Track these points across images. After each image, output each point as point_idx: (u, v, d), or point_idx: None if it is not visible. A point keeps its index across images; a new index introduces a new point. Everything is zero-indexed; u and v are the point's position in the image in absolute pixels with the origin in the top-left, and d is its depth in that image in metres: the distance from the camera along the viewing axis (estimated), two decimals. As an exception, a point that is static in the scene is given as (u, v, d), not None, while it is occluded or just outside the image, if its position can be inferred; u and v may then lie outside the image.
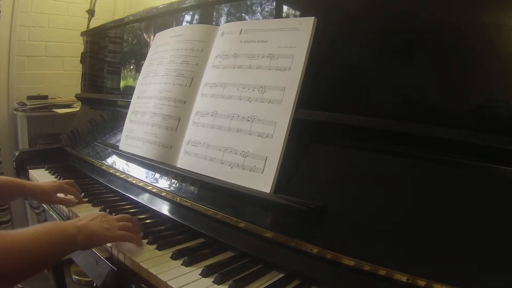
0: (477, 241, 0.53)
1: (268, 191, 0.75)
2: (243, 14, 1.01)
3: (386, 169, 0.66)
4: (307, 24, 0.79)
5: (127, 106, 1.22)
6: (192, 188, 0.91)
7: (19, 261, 0.62)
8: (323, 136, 0.76)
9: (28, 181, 1.23)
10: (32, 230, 0.68)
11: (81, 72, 1.85)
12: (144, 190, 1.05)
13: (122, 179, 1.16)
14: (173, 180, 0.97)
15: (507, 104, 0.58)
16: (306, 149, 0.76)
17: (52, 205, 1.14)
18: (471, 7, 0.62)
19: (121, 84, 1.53)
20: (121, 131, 1.21)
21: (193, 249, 0.79)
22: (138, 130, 1.11)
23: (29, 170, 1.46)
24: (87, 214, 0.81)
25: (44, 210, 1.20)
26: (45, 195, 1.05)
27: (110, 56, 1.62)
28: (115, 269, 0.76)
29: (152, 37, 1.33)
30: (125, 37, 1.54)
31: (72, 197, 1.09)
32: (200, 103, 0.96)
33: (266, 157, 0.77)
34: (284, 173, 0.75)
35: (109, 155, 1.28)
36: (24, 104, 2.19)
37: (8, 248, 0.61)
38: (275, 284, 0.67)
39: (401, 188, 0.63)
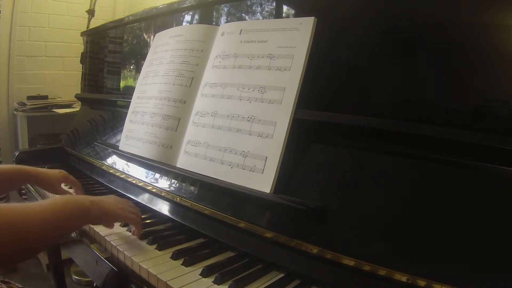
0: (477, 241, 0.53)
1: (268, 191, 0.75)
2: (243, 14, 1.01)
3: (386, 169, 0.66)
4: (307, 24, 0.79)
5: (127, 106, 1.22)
6: (192, 188, 0.91)
7: (35, 232, 0.63)
8: (323, 136, 0.76)
9: (33, 167, 1.22)
10: (47, 202, 0.70)
11: (81, 72, 1.85)
12: (144, 190, 1.05)
13: (122, 179, 1.16)
14: (173, 180, 0.97)
15: (507, 104, 0.58)
16: (306, 149, 0.76)
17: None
18: (471, 7, 0.62)
19: (121, 84, 1.53)
20: (121, 131, 1.21)
21: (193, 249, 0.79)
22: (138, 130, 1.11)
23: (29, 170, 1.46)
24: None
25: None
26: (50, 183, 1.05)
27: (110, 56, 1.62)
28: (115, 269, 0.76)
29: (152, 37, 1.33)
30: (125, 37, 1.54)
31: (75, 192, 1.10)
32: (200, 103, 0.96)
33: (266, 157, 0.77)
34: (284, 173, 0.75)
35: (109, 155, 1.28)
36: (24, 104, 2.19)
37: (23, 222, 0.61)
38: (275, 284, 0.67)
39: (401, 188, 0.63)
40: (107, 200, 0.80)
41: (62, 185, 1.09)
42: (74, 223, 0.74)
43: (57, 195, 0.73)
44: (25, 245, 0.61)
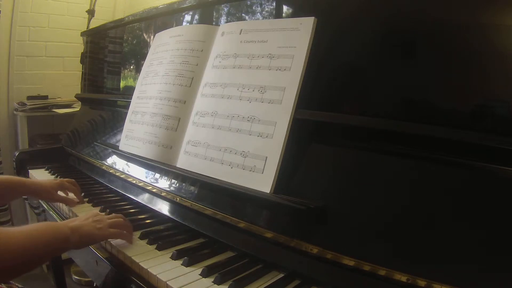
0: (477, 241, 0.53)
1: (268, 191, 0.75)
2: (243, 14, 1.01)
3: (386, 169, 0.66)
4: (307, 24, 0.79)
5: (127, 106, 1.22)
6: (192, 188, 0.91)
7: (15, 257, 0.64)
8: (323, 136, 0.76)
9: (29, 179, 1.23)
10: (27, 229, 0.70)
11: (81, 72, 1.85)
12: (144, 190, 1.05)
13: (122, 179, 1.16)
14: (173, 180, 0.97)
15: (507, 104, 0.58)
16: (306, 149, 0.76)
17: (52, 205, 1.15)
18: (471, 7, 0.62)
19: (121, 84, 1.54)
20: (121, 131, 1.21)
21: (193, 249, 0.79)
22: (138, 130, 1.11)
23: (29, 170, 1.47)
24: (81, 215, 0.82)
25: (44, 210, 1.20)
26: (46, 193, 1.05)
27: (110, 56, 1.62)
28: (115, 269, 0.76)
29: (152, 37, 1.33)
30: (125, 37, 1.54)
31: (73, 195, 1.10)
32: (200, 103, 0.96)
33: (266, 157, 0.77)
34: (284, 173, 0.75)
35: (109, 155, 1.28)
36: (24, 104, 2.18)
37: (5, 244, 0.63)
38: (275, 284, 0.67)
39: (401, 188, 0.63)
40: (86, 223, 0.78)
41: (59, 192, 1.09)
42: (52, 250, 0.74)
43: (36, 223, 0.74)
44: (4, 266, 0.63)
